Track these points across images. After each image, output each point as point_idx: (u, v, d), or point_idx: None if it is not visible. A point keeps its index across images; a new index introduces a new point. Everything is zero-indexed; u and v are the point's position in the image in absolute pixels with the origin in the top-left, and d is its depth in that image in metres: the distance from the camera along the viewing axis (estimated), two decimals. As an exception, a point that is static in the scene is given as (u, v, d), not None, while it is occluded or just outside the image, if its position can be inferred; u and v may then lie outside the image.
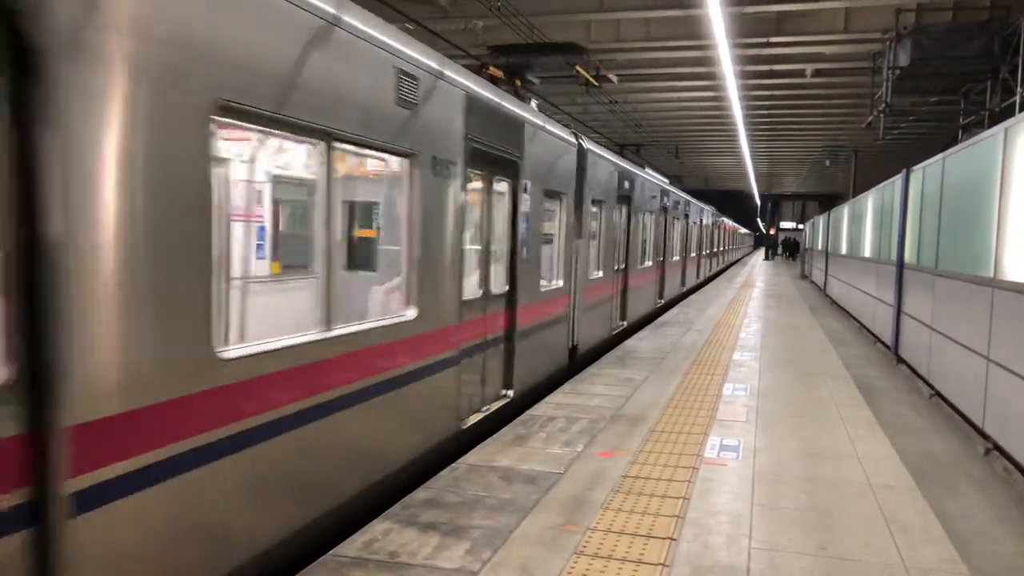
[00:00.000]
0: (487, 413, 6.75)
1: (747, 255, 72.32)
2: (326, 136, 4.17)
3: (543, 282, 8.38)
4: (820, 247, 26.97)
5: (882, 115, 17.34)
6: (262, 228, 5.78)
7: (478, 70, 9.70)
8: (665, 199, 17.35)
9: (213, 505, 3.41)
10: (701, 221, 26.73)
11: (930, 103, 18.42)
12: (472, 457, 5.68)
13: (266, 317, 5.19)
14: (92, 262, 2.74)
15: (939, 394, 8.08)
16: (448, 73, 5.68)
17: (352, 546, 4.07)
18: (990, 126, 9.06)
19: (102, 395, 2.80)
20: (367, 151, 4.84)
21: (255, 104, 3.53)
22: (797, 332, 13.68)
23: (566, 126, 9.79)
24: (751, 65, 17.83)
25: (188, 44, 3.11)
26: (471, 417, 6.44)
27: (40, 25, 2.51)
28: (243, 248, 5.55)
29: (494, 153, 6.67)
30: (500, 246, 7.18)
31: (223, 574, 3.48)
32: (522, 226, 7.47)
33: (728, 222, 43.80)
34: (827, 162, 36.10)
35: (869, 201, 14.94)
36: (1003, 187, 6.22)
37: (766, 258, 57.17)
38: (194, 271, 3.21)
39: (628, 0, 14.33)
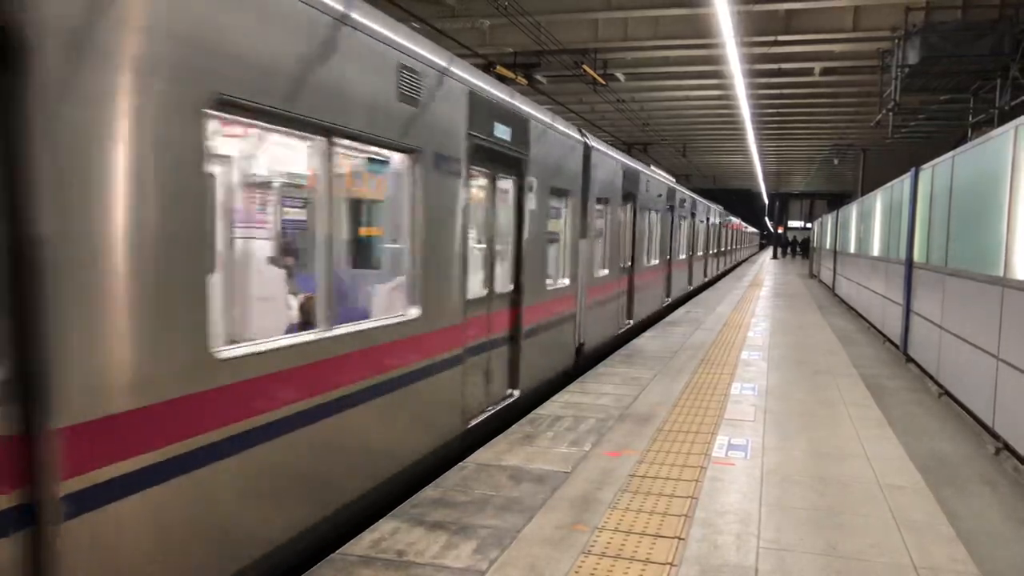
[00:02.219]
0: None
1: (753, 255, 68.51)
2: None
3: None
4: (828, 246, 26.87)
5: (891, 113, 17.26)
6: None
7: (486, 68, 9.70)
8: (616, 180, 11.39)
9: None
10: (693, 217, 20.72)
11: (939, 101, 18.35)
12: (480, 456, 5.69)
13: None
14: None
15: (949, 393, 8.04)
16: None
17: (360, 545, 4.08)
18: (1000, 124, 9.01)
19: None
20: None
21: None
22: (805, 331, 13.63)
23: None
24: (759, 63, 17.78)
25: None
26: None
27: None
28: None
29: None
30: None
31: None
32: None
33: (732, 220, 38.98)
34: (835, 161, 35.97)
35: (878, 200, 14.88)
36: (1013, 186, 6.19)
37: (774, 257, 56.97)
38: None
39: (635, -1, 14.32)
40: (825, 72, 19.29)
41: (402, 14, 10.56)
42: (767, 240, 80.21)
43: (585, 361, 10.02)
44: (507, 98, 7.02)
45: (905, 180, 11.31)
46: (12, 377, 2.57)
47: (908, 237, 10.75)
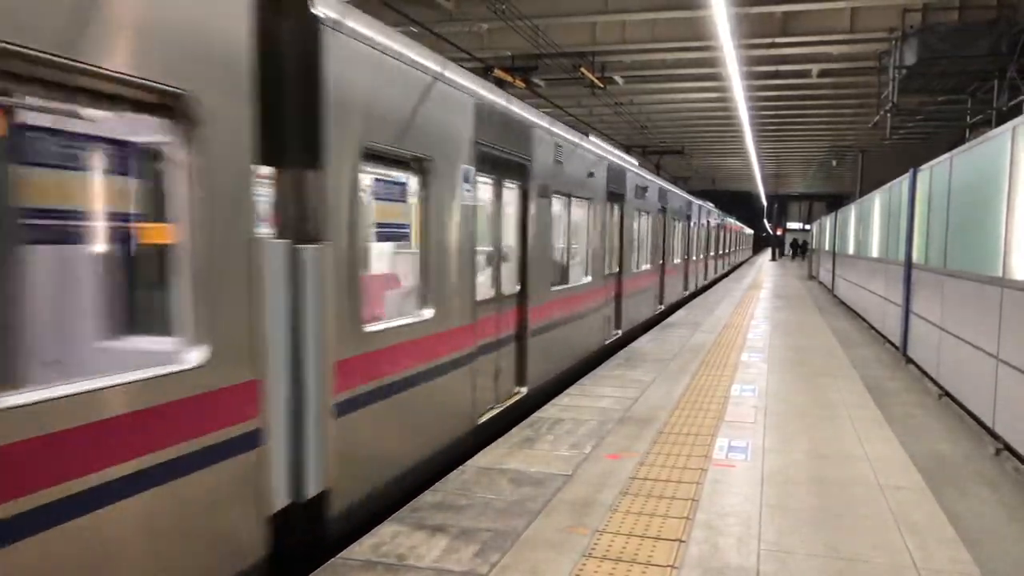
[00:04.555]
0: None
1: (746, 260, 57.99)
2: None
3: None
4: (827, 247, 26.89)
5: (889, 115, 17.27)
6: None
7: (484, 72, 9.74)
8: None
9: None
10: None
11: (937, 102, 18.35)
12: (481, 460, 5.68)
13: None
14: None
15: (948, 394, 8.04)
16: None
17: (360, 549, 4.08)
18: (997, 125, 9.01)
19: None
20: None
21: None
22: (805, 333, 13.63)
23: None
24: (757, 66, 17.81)
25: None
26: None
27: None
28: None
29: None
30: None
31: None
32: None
33: (708, 213, 26.73)
34: (834, 162, 36.04)
35: (876, 201, 14.89)
36: (1011, 186, 6.19)
37: (772, 259, 56.95)
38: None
39: (633, 1, 14.32)
40: (823, 74, 19.30)
41: (399, 18, 10.58)
42: (766, 242, 79.32)
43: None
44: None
45: (903, 181, 11.32)
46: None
47: (907, 238, 10.75)
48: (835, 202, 42.98)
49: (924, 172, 10.15)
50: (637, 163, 14.55)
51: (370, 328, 4.60)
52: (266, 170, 3.78)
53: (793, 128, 28.52)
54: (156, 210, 4.19)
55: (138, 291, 4.28)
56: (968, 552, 4.21)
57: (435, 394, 5.51)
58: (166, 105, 3.14)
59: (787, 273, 37.43)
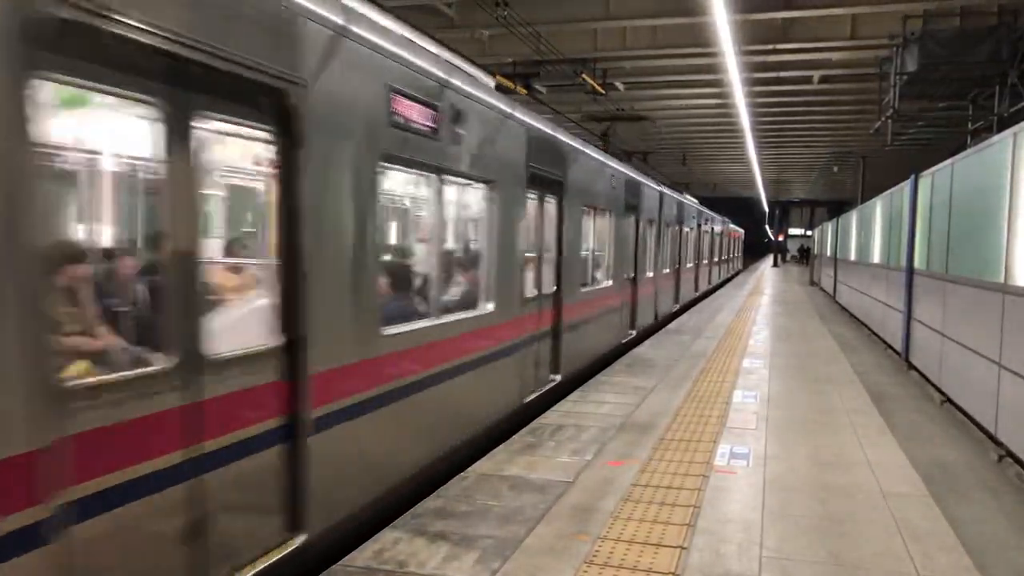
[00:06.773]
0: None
1: (734, 276, 41.41)
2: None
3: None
4: (829, 253, 26.89)
5: (890, 121, 17.26)
6: None
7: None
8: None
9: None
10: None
11: (938, 108, 18.33)
12: (482, 466, 5.68)
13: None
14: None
15: (951, 400, 8.02)
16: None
17: (362, 556, 4.07)
18: (999, 131, 9.02)
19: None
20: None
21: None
22: (807, 339, 13.62)
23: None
24: (758, 72, 17.81)
25: None
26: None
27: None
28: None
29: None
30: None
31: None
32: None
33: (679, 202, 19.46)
34: (835, 168, 35.99)
35: (878, 207, 14.89)
36: (1013, 192, 6.19)
37: (775, 264, 57.00)
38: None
39: (634, 8, 14.34)
40: (824, 80, 19.30)
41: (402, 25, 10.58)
42: (767, 248, 78.78)
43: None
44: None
45: (904, 187, 11.32)
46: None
47: (908, 244, 10.75)
48: (837, 208, 42.92)
49: (925, 178, 10.15)
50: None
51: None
52: None
53: (794, 134, 28.53)
54: None
55: None
56: (970, 559, 4.19)
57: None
58: None
59: (789, 279, 37.38)
